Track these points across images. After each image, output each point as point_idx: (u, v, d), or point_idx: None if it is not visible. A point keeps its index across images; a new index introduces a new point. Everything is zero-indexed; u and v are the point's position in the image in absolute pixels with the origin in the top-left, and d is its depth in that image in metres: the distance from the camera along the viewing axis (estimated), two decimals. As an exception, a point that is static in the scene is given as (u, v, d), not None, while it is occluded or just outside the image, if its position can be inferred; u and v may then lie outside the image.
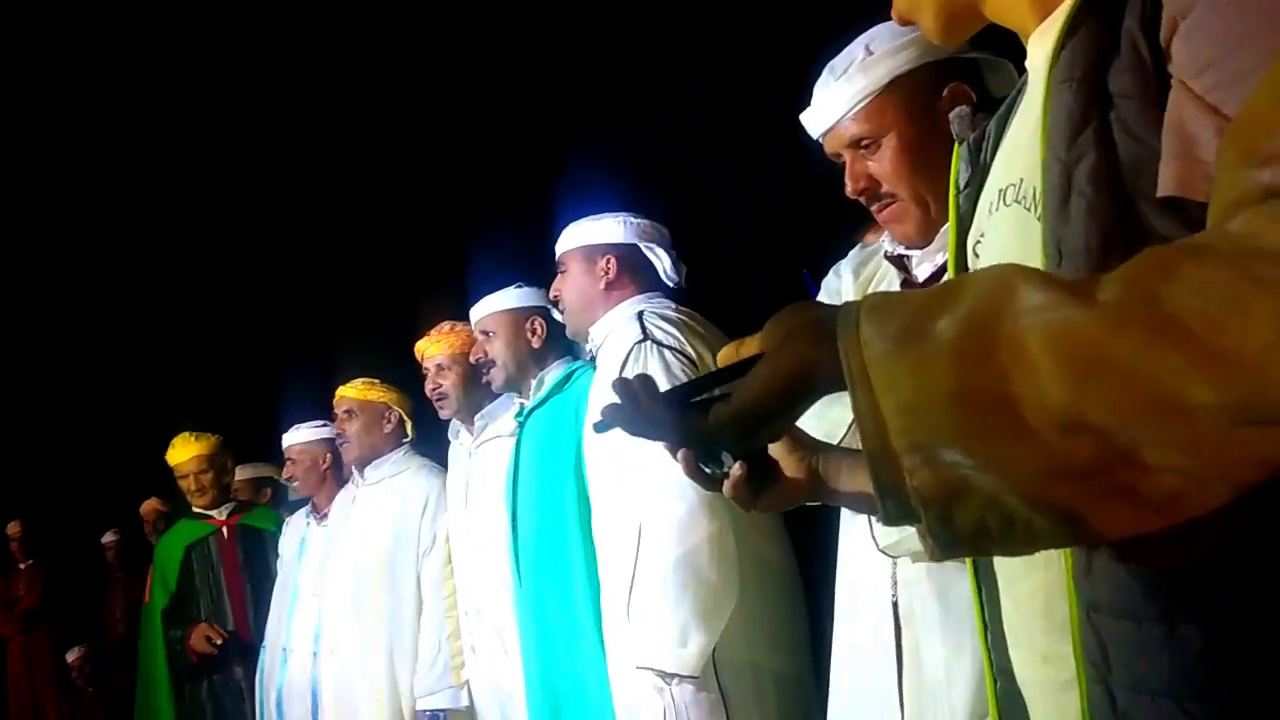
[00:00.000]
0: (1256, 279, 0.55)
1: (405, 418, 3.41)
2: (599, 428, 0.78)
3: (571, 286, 2.37)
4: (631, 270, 2.35)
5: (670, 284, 2.36)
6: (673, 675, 1.91)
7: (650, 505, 1.98)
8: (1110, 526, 0.63)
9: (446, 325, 3.08)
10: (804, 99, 1.45)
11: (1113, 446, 0.59)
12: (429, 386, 3.06)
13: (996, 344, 0.61)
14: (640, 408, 0.74)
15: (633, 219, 2.38)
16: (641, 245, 2.35)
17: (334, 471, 3.71)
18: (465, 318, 2.94)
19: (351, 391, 3.40)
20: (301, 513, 3.83)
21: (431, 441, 3.43)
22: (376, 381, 3.42)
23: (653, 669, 1.93)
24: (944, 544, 0.65)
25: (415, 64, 4.77)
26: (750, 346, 0.72)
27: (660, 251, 2.34)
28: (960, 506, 0.63)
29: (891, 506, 0.65)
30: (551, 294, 2.44)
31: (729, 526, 1.95)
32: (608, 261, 2.33)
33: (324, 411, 3.72)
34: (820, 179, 1.50)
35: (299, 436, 3.75)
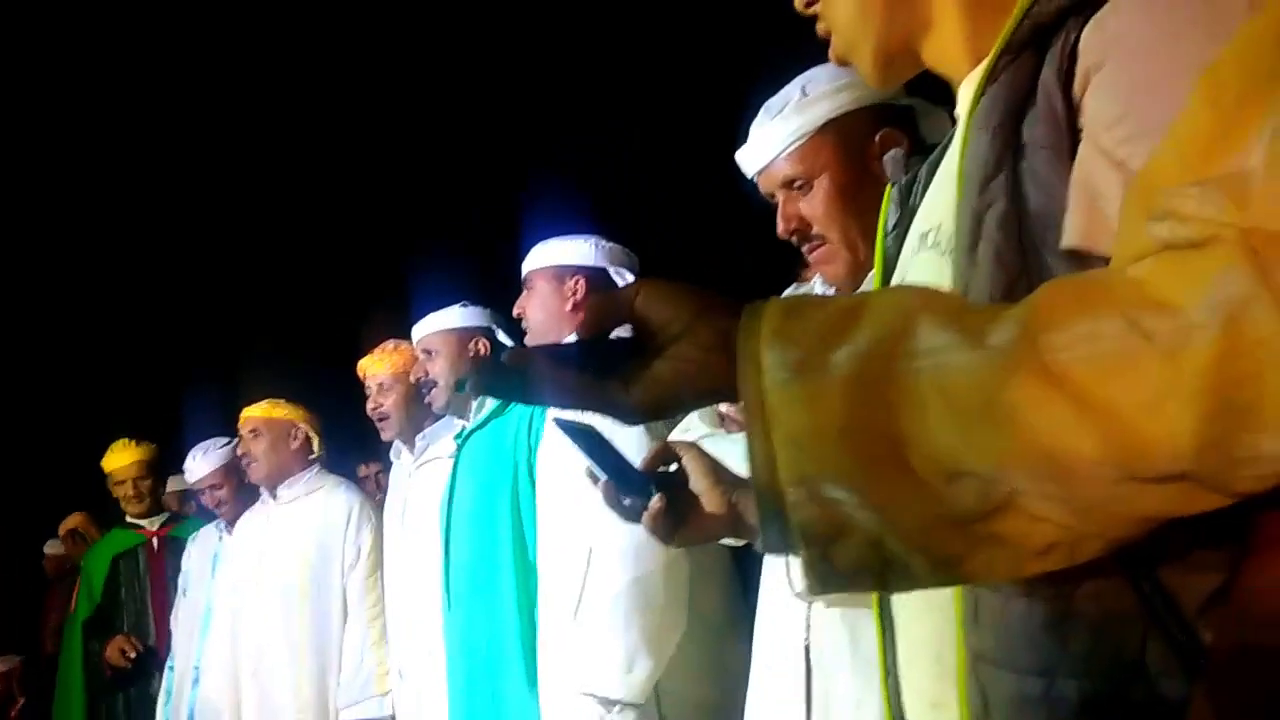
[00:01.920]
0: (1145, 334, 0.55)
1: (311, 435, 3.39)
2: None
3: (538, 305, 2.34)
4: (599, 293, 2.34)
5: None
6: (615, 702, 1.89)
7: (604, 529, 1.95)
8: (986, 571, 0.63)
9: (390, 344, 3.05)
10: (742, 135, 1.46)
11: (994, 494, 0.59)
12: (370, 406, 3.03)
13: (888, 384, 0.61)
14: (514, 367, 0.70)
15: (604, 242, 2.37)
16: (611, 269, 2.34)
17: (243, 484, 3.63)
18: (408, 336, 2.91)
19: (256, 411, 3.39)
20: (211, 528, 3.75)
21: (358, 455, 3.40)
22: (281, 401, 3.41)
23: (595, 695, 1.90)
24: (821, 579, 0.64)
25: (360, 84, 4.78)
26: (620, 307, 0.70)
27: (629, 276, 2.34)
28: (840, 544, 0.63)
29: (772, 537, 0.65)
30: (515, 311, 2.42)
31: (683, 555, 1.94)
32: (576, 282, 2.32)
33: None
34: (763, 213, 1.50)
35: (206, 467, 3.64)
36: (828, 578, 0.64)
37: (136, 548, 4.01)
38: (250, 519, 3.46)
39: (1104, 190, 0.68)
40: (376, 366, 3.02)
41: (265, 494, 3.40)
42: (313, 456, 3.38)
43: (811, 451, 0.62)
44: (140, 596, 3.93)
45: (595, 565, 1.96)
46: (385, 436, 3.05)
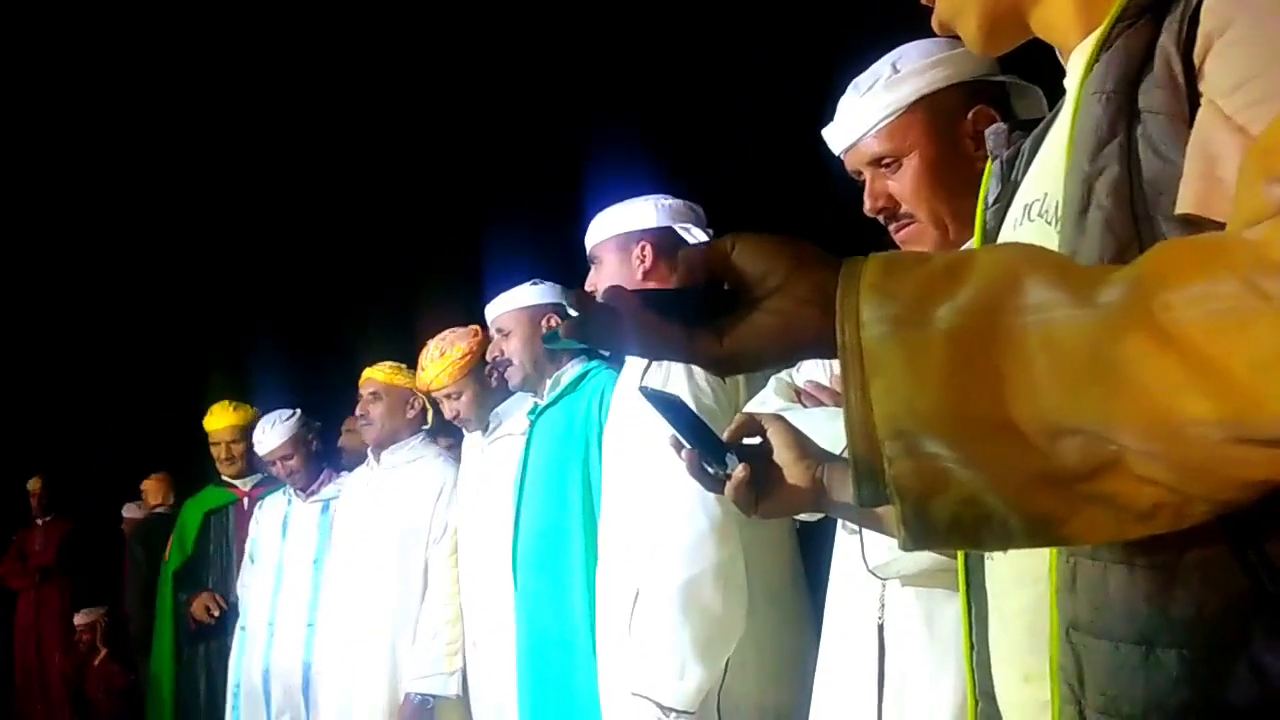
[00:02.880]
0: (1263, 295, 0.54)
1: (428, 405, 3.42)
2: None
3: (608, 279, 2.21)
4: (669, 255, 2.19)
5: None
6: (669, 709, 1.83)
7: (660, 525, 1.92)
8: (1087, 532, 0.63)
9: (435, 351, 3.06)
10: (829, 108, 1.44)
11: (1099, 453, 0.59)
12: (448, 414, 3.09)
13: (994, 339, 0.60)
14: (615, 314, 0.69)
15: (664, 200, 2.22)
16: (676, 227, 2.18)
17: (311, 452, 3.77)
18: (471, 313, 2.93)
19: (379, 375, 3.41)
20: (279, 494, 3.88)
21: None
22: (403, 367, 3.43)
23: (649, 699, 1.86)
24: (916, 534, 0.64)
25: (427, 60, 4.82)
26: (715, 260, 0.69)
27: (696, 231, 2.19)
28: (937, 499, 0.62)
29: (867, 491, 0.64)
30: (588, 290, 2.32)
31: (739, 555, 1.87)
32: (643, 249, 2.18)
33: (338, 392, 3.74)
34: (846, 189, 1.49)
35: (276, 439, 3.75)
36: (922, 534, 0.64)
37: (228, 506, 4.18)
38: (355, 482, 3.54)
39: (1222, 155, 0.66)
40: (437, 382, 3.05)
41: (370, 457, 3.45)
42: (426, 427, 3.39)
43: (910, 405, 0.62)
44: (227, 553, 4.08)
45: (651, 562, 1.91)
46: (469, 431, 3.11)
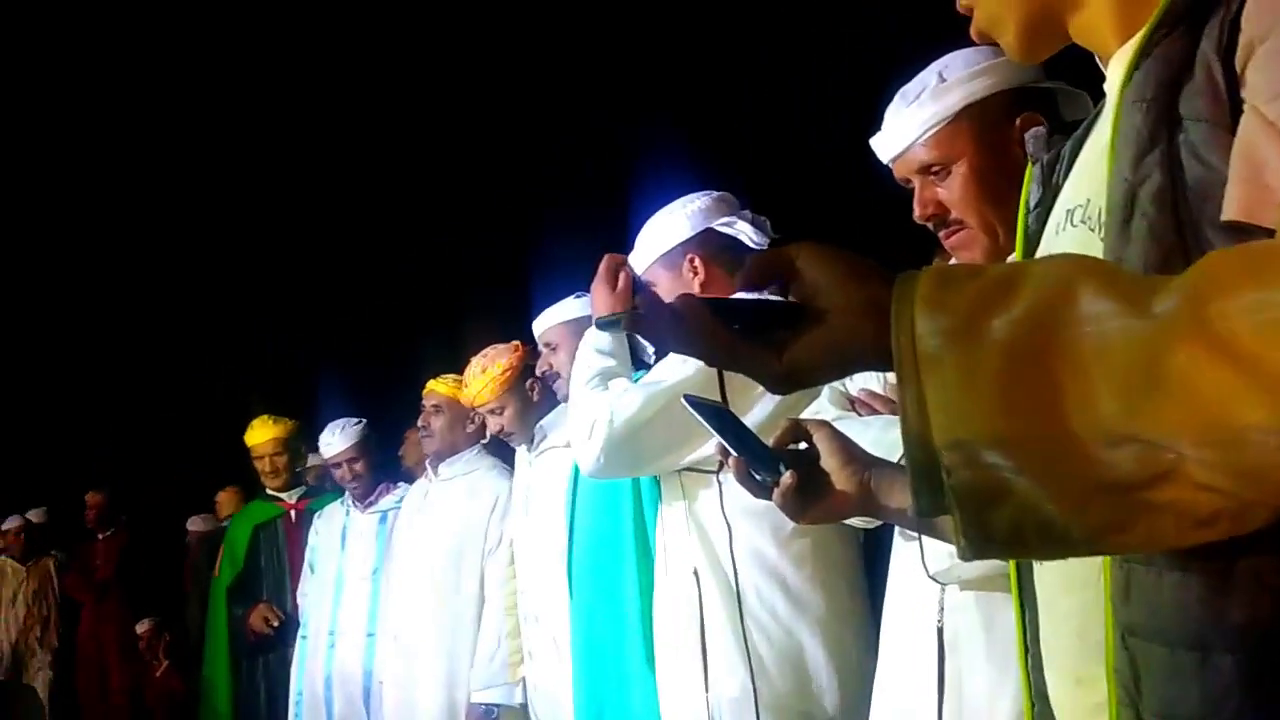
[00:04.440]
0: None
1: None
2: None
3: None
4: (719, 257, 2.09)
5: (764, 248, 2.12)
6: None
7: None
8: (1146, 540, 0.63)
9: (477, 367, 3.09)
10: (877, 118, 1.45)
11: (1157, 461, 0.59)
12: (493, 429, 3.12)
13: (1049, 351, 0.61)
14: (677, 316, 0.70)
15: (692, 203, 2.14)
16: (715, 227, 2.11)
17: (374, 461, 3.83)
18: (518, 328, 2.97)
19: (442, 388, 3.45)
20: (337, 504, 3.92)
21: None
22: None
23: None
24: (976, 544, 0.65)
25: (477, 82, 4.87)
26: (781, 262, 0.71)
27: (738, 223, 2.11)
28: (996, 509, 0.63)
29: (925, 502, 0.65)
30: None
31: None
32: (691, 261, 2.10)
33: (398, 406, 3.77)
34: (897, 197, 1.50)
35: (344, 441, 3.78)
36: (982, 544, 0.65)
37: (276, 519, 4.23)
38: (414, 494, 3.60)
39: (1268, 162, 0.67)
40: (480, 398, 3.08)
41: (429, 469, 3.51)
42: (484, 441, 3.41)
43: (968, 417, 0.63)
44: (279, 565, 4.13)
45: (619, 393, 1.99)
46: (515, 445, 3.13)
